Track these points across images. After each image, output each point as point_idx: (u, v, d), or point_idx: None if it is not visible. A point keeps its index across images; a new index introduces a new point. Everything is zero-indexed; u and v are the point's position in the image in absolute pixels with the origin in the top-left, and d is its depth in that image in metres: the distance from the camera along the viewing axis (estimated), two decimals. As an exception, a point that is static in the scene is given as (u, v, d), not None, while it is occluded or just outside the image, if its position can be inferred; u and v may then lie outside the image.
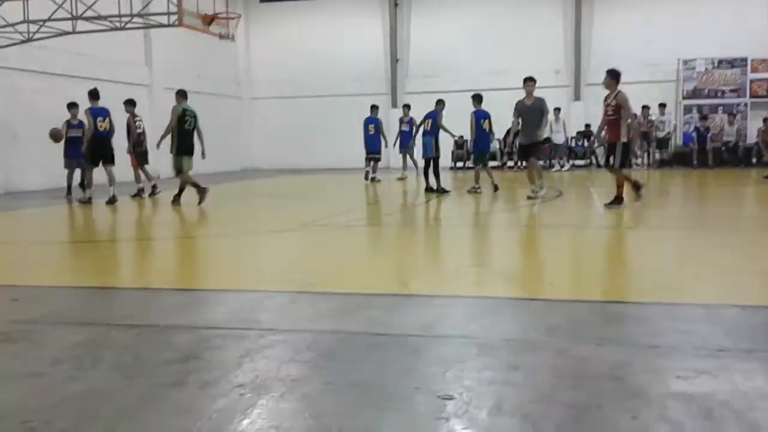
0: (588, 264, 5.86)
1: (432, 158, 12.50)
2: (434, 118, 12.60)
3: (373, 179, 15.93)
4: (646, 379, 2.83)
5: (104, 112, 11.63)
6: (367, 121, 16.32)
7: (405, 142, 15.84)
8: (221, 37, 14.84)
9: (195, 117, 10.78)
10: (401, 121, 16.42)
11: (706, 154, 19.66)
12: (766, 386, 2.74)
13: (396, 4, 24.32)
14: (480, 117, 12.30)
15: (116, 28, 14.07)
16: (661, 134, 19.67)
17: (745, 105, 21.26)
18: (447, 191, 12.24)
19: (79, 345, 3.44)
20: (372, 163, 16.15)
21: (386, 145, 16.89)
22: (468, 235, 7.97)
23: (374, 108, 16.61)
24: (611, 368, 2.94)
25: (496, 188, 12.22)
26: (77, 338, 3.55)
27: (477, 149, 12.77)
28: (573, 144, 21.22)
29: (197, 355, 3.24)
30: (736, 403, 2.56)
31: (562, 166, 19.92)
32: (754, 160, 19.58)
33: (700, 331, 3.47)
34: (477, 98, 12.41)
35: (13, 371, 3.08)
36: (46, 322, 3.91)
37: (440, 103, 13.12)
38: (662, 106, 19.89)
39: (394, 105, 24.21)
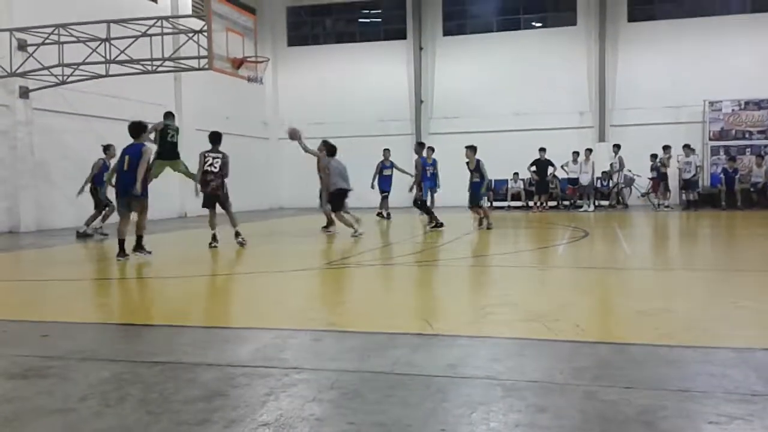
0: (615, 305, 5.79)
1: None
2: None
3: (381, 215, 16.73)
4: (677, 424, 2.77)
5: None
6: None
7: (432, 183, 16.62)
8: (249, 80, 15.16)
9: (177, 132, 11.96)
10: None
11: (735, 195, 19.43)
12: (802, 433, 2.66)
13: (421, 48, 24.70)
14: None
15: (148, 72, 14.46)
16: (687, 176, 19.49)
17: (774, 146, 21.05)
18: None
19: (106, 381, 3.47)
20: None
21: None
22: (491, 274, 7.92)
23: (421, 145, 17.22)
24: (640, 412, 2.88)
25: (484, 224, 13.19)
26: (104, 374, 3.58)
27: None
28: (598, 184, 21.13)
29: (222, 392, 3.24)
30: (771, 449, 2.49)
31: (588, 206, 19.84)
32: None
33: (732, 375, 3.40)
34: (421, 145, 14.79)
35: (43, 407, 3.11)
36: (74, 358, 3.95)
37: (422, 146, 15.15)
38: (686, 147, 19.72)
39: (419, 146, 24.38)
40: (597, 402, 3.03)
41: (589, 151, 20.45)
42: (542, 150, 19.77)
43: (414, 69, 24.79)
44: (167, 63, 14.22)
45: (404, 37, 25.05)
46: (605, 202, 21.17)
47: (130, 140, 9.25)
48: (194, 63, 13.95)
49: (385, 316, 5.27)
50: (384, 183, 17.12)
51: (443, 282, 7.46)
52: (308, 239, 12.18)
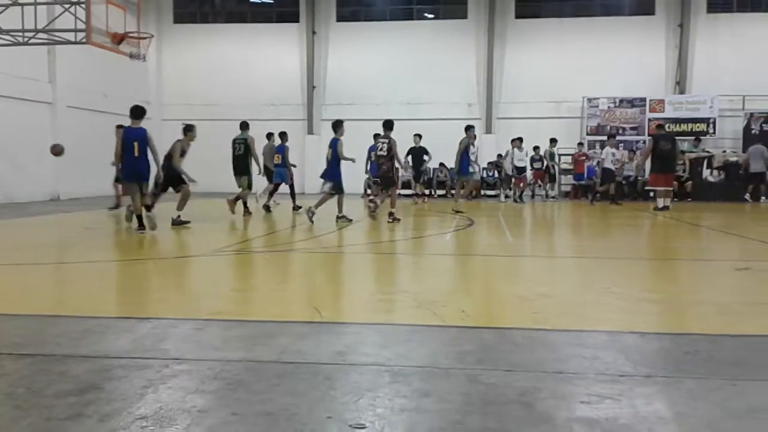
0: (498, 291, 5.98)
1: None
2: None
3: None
4: (553, 404, 2.89)
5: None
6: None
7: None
8: (131, 56, 14.46)
9: (244, 144, 12.54)
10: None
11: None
12: (665, 410, 2.85)
13: (314, 32, 24.48)
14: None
15: (18, 43, 13.47)
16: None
17: (644, 142, 22.55)
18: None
19: (-37, 377, 3.19)
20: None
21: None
22: (381, 262, 7.99)
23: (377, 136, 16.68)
24: (520, 394, 2.99)
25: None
26: (-38, 369, 3.30)
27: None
28: (484, 174, 21.82)
29: (96, 385, 3.07)
30: (638, 427, 2.65)
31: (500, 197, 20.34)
32: (651, 194, 20.66)
33: (603, 357, 3.59)
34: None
35: None
36: (-73, 352, 3.61)
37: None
38: (581, 144, 20.47)
39: (310, 132, 24.30)
40: (479, 385, 3.12)
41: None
42: (417, 136, 18.82)
43: (306, 53, 24.56)
44: (41, 35, 13.29)
45: (297, 21, 24.76)
46: (491, 192, 21.93)
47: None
48: (70, 36, 13.13)
49: (273, 304, 5.19)
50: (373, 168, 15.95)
51: (334, 269, 7.45)
52: (200, 226, 11.80)
